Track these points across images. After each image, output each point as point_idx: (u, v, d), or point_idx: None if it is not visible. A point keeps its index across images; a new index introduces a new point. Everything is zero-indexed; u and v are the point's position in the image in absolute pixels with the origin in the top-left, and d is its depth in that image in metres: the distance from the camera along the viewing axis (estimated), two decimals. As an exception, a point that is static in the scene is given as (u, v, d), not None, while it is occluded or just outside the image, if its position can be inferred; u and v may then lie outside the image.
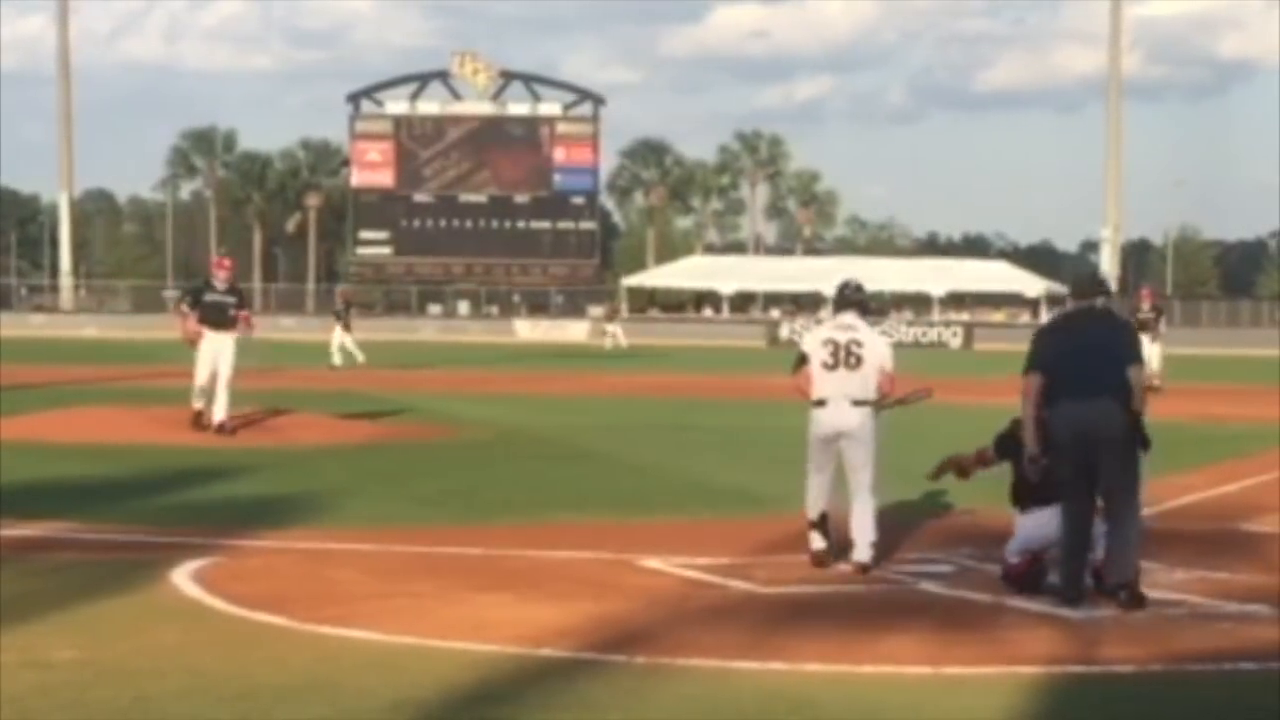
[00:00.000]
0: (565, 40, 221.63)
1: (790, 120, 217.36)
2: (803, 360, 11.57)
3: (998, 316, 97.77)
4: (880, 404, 11.52)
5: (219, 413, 20.99)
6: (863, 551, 11.15)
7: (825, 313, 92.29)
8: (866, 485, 11.32)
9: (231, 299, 21.51)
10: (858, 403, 11.33)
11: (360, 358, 43.84)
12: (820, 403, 11.41)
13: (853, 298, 11.68)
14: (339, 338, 44.95)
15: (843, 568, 11.40)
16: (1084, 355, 10.43)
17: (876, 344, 11.59)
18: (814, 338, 11.74)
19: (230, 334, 21.24)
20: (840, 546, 11.51)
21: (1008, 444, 11.13)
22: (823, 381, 11.38)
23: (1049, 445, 10.43)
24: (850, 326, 11.54)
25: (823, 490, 11.55)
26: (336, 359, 43.97)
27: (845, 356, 11.36)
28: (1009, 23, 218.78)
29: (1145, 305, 36.87)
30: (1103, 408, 10.26)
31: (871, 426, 11.40)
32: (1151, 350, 35.17)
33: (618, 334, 67.07)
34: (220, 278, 21.64)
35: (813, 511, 11.53)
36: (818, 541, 11.49)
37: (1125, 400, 10.31)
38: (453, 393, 33.37)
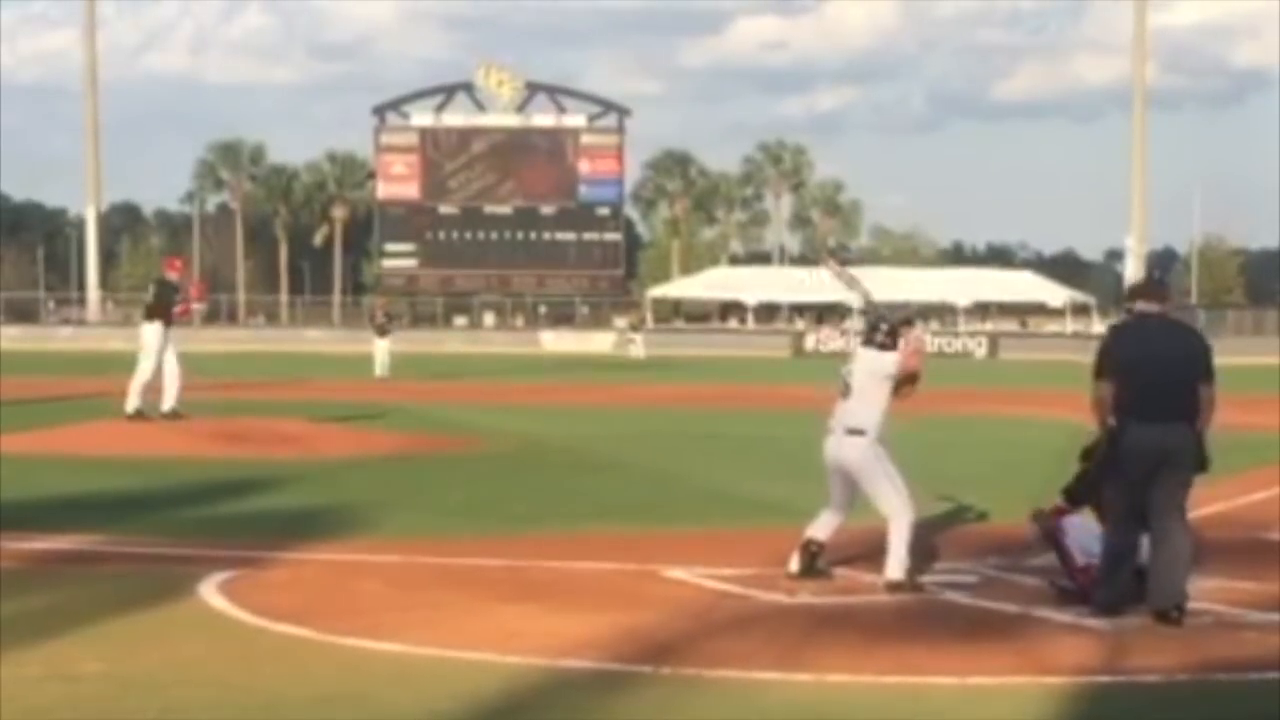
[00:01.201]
0: (585, 52, 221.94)
1: (812, 130, 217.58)
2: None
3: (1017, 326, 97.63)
4: (909, 378, 11.46)
5: (171, 400, 23.04)
6: (890, 569, 11.11)
7: (849, 323, 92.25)
8: (889, 511, 11.16)
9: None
10: (851, 431, 11.23)
11: (379, 372, 43.62)
12: (830, 430, 11.43)
13: (869, 339, 11.64)
14: (381, 348, 44.77)
15: (838, 571, 11.45)
16: (1157, 368, 10.18)
17: (868, 363, 11.43)
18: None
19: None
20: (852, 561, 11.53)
21: (1082, 491, 10.98)
22: (834, 411, 11.42)
23: (1114, 462, 10.22)
24: (858, 360, 11.52)
25: (825, 518, 11.50)
26: (383, 369, 43.90)
27: (844, 387, 11.38)
28: (1027, 33, 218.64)
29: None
30: (1173, 432, 10.12)
31: (870, 456, 11.20)
32: None
33: (638, 343, 67.10)
34: (173, 277, 24.08)
35: (807, 531, 11.51)
36: (792, 563, 11.43)
37: (1194, 420, 10.21)
38: (478, 403, 33.41)
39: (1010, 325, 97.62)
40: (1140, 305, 10.62)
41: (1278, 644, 9.32)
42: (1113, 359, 10.34)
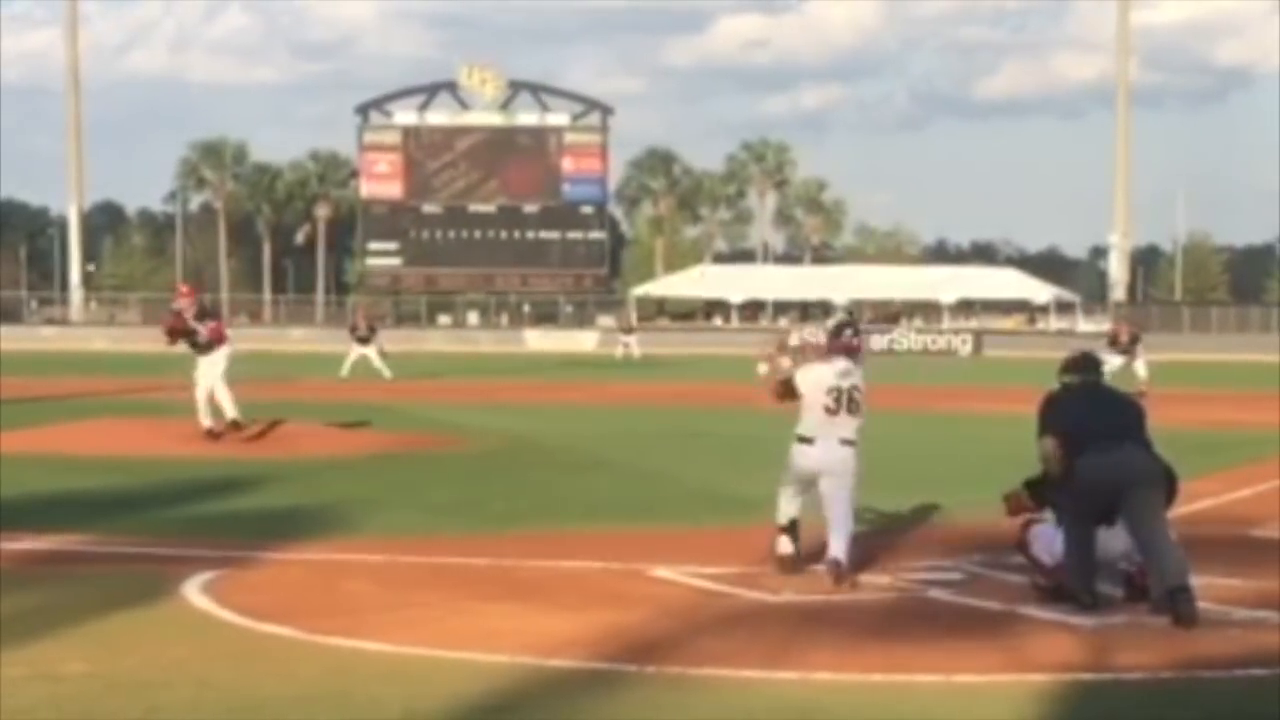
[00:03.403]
0: (568, 50, 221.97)
1: (796, 128, 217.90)
2: (788, 387, 11.58)
3: (1007, 324, 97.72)
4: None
5: (207, 420, 21.64)
6: (839, 549, 11.17)
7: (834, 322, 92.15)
8: (842, 516, 11.30)
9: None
10: (845, 442, 11.41)
11: (387, 374, 42.92)
12: (808, 440, 11.43)
13: (849, 344, 11.68)
14: (357, 352, 44.26)
15: (817, 568, 11.39)
16: (1099, 413, 10.53)
17: (856, 376, 11.60)
18: (814, 379, 11.53)
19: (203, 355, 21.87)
20: (809, 554, 11.55)
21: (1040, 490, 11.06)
22: (820, 424, 11.39)
23: (1074, 494, 10.36)
24: (849, 373, 11.52)
25: (794, 503, 11.66)
26: (351, 371, 43.64)
27: (848, 402, 11.44)
28: (1009, 30, 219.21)
29: (1124, 338, 37.91)
30: (1130, 453, 10.28)
31: (854, 464, 11.45)
32: (1137, 365, 36.39)
33: (632, 345, 66.83)
34: (184, 305, 22.22)
35: (783, 518, 11.63)
36: (785, 546, 11.58)
37: (1149, 446, 10.40)
38: (462, 403, 33.37)
39: (1001, 322, 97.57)
40: (1070, 378, 11.02)
41: (1260, 641, 9.33)
42: (1054, 417, 10.64)
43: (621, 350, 64.64)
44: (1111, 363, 35.80)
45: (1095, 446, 10.26)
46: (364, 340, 44.99)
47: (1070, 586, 10.26)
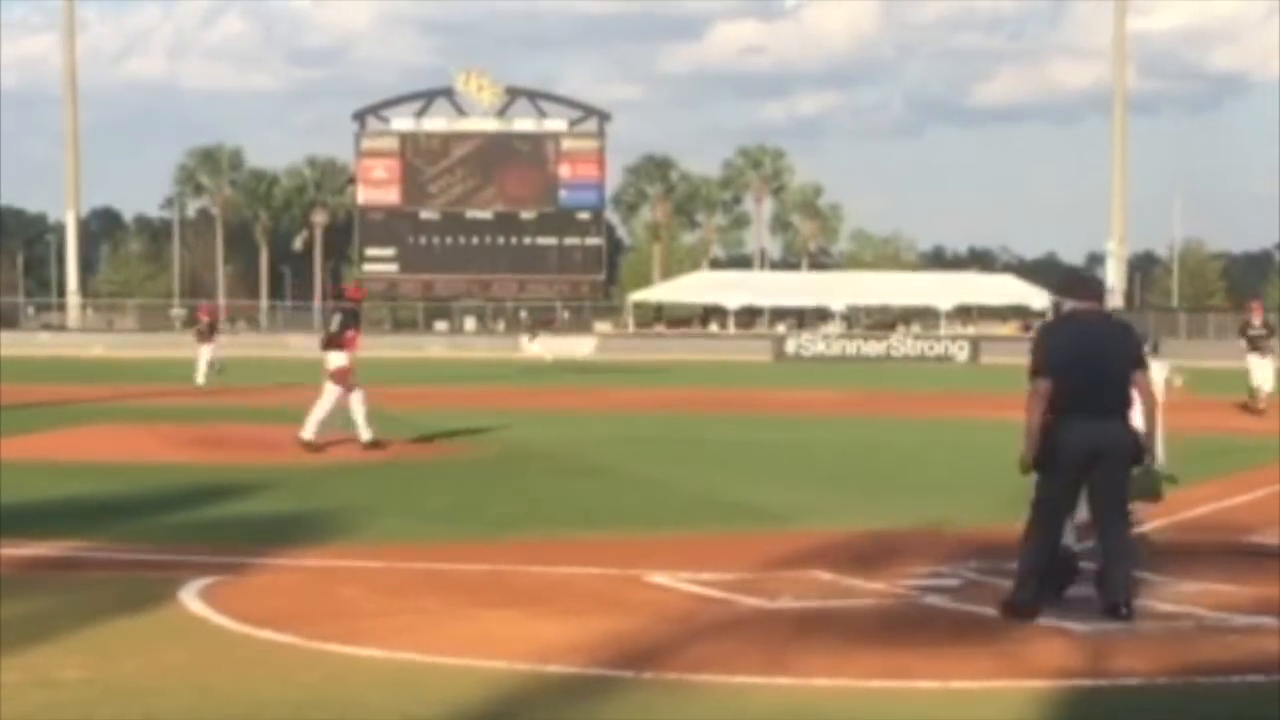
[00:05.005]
0: (564, 56, 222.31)
1: (792, 134, 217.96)
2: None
3: (1004, 330, 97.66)
4: None
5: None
6: None
7: (830, 327, 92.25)
8: None
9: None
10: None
11: (200, 380, 41.34)
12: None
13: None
14: (206, 354, 42.49)
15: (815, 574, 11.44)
16: (1095, 363, 10.29)
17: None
18: None
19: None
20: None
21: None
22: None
23: (1052, 458, 10.34)
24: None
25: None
26: (205, 378, 41.63)
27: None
28: (1006, 37, 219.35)
29: (1256, 320, 33.96)
30: (1113, 428, 10.24)
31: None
32: (1264, 367, 32.65)
33: (545, 348, 66.63)
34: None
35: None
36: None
37: (1129, 415, 10.36)
38: (459, 409, 33.33)
39: (998, 328, 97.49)
40: (1070, 303, 10.80)
41: (1258, 647, 9.33)
42: (1048, 359, 10.43)
43: (549, 355, 64.36)
44: (1255, 363, 32.17)
45: (1080, 411, 10.18)
46: (203, 336, 43.19)
47: (1015, 595, 10.22)
